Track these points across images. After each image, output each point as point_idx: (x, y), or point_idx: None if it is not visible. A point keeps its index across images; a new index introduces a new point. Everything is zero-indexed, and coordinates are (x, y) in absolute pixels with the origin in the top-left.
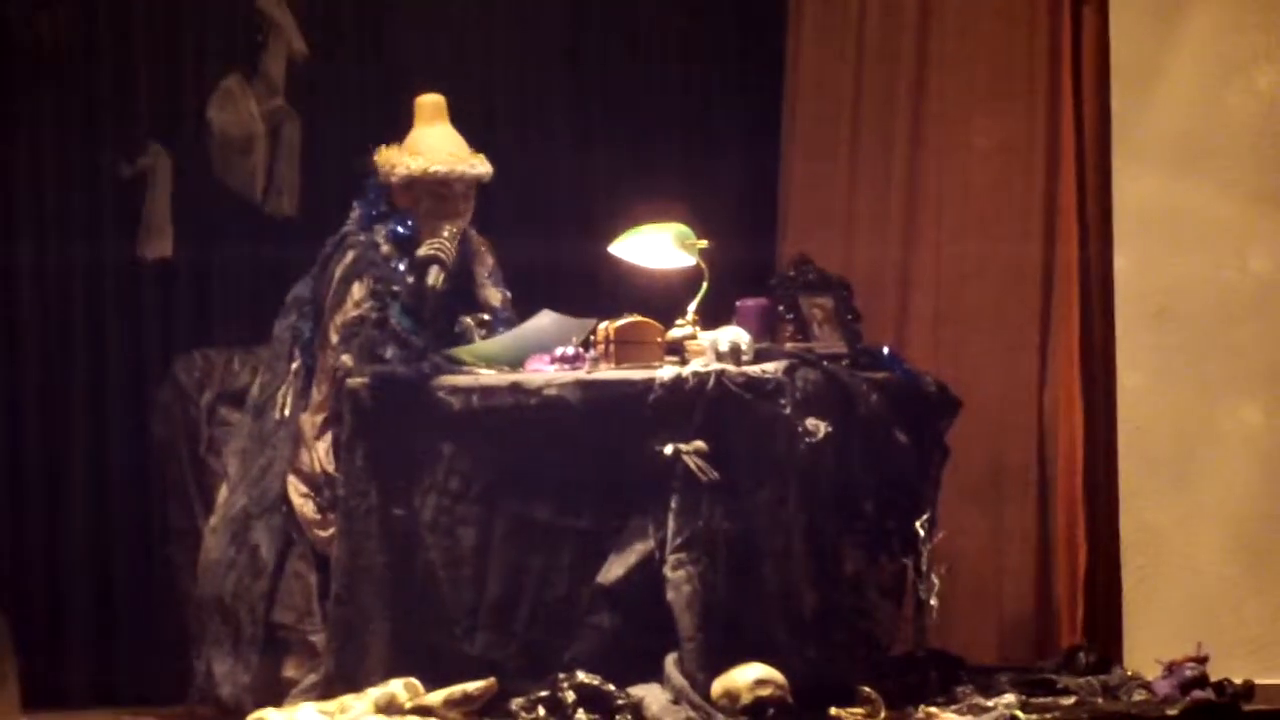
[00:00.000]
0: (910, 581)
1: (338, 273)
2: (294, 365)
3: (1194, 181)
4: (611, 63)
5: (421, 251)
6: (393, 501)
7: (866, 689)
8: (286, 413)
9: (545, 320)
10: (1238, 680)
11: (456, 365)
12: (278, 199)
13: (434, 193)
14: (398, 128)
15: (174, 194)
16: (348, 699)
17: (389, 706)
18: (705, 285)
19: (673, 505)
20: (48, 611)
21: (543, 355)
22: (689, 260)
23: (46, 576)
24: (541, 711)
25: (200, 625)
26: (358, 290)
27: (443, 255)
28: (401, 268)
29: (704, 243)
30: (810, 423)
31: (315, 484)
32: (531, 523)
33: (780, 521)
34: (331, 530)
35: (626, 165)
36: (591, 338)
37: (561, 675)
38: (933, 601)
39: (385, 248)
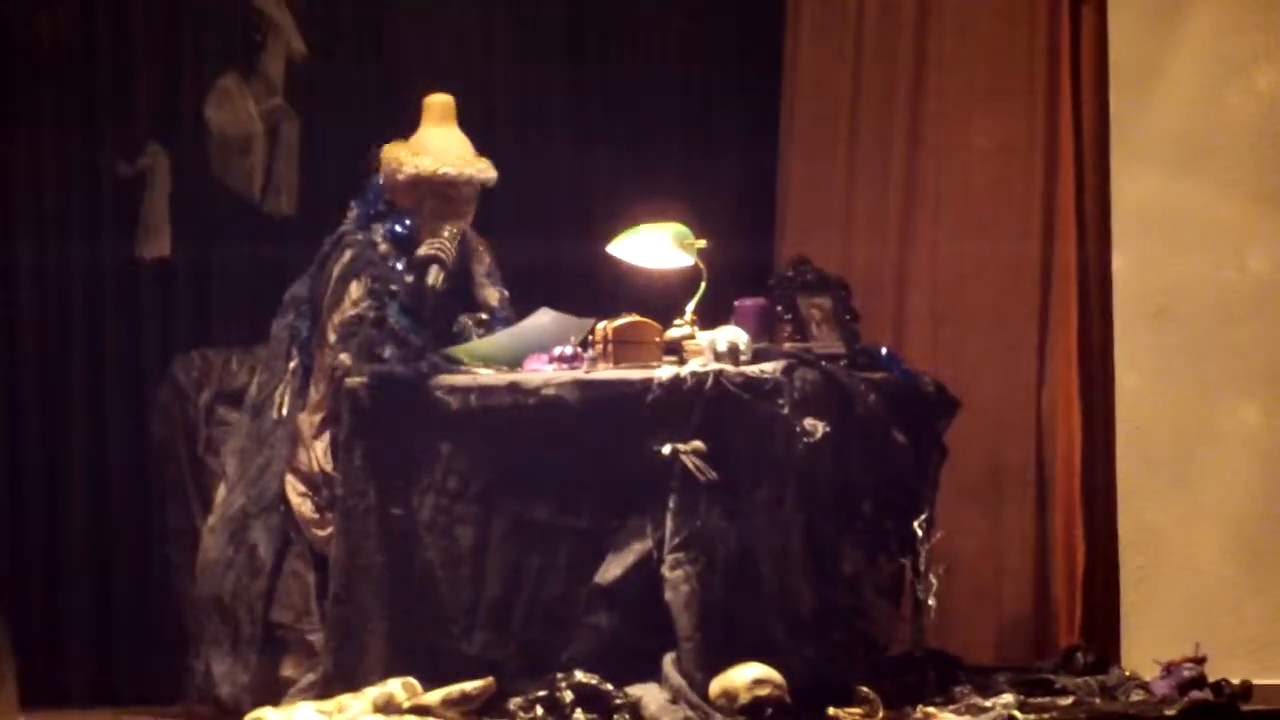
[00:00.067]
0: (908, 581)
1: (335, 271)
2: (292, 364)
3: (1193, 181)
4: (610, 62)
5: (422, 251)
6: (391, 501)
7: (864, 689)
8: (284, 412)
9: (544, 319)
10: (1236, 680)
11: (454, 364)
12: (276, 198)
13: (440, 194)
14: (397, 127)
15: (172, 193)
16: (346, 698)
17: (387, 706)
18: (703, 285)
19: (671, 505)
20: (46, 611)
21: (541, 355)
22: (687, 260)
23: (45, 576)
24: (539, 711)
25: (198, 625)
26: (355, 289)
27: (443, 255)
28: (399, 267)
29: (702, 242)
30: (808, 423)
31: (313, 483)
32: (529, 522)
33: (778, 521)
34: (329, 529)
35: (625, 165)
36: (590, 337)
37: (559, 675)
38: (930, 601)
39: (383, 247)
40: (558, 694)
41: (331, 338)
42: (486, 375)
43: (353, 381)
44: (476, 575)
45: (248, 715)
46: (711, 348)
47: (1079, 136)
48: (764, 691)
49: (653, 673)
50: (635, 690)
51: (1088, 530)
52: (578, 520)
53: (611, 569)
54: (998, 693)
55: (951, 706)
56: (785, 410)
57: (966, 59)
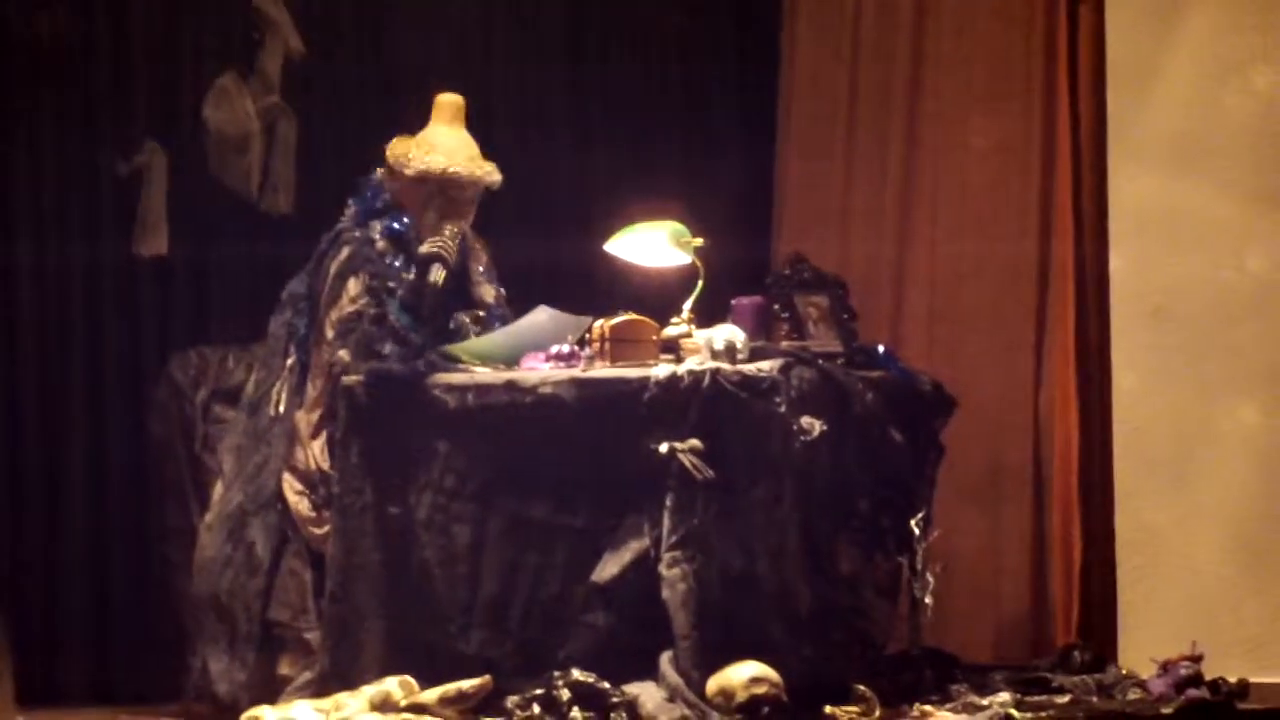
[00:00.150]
0: (905, 580)
1: (333, 269)
2: (289, 361)
3: (1191, 181)
4: (608, 62)
5: (424, 248)
6: (388, 499)
7: (861, 687)
8: (281, 409)
9: (541, 316)
10: (1232, 679)
11: (452, 363)
12: (273, 196)
13: (445, 192)
14: (395, 125)
15: (170, 191)
16: (342, 696)
17: (384, 704)
18: (700, 283)
19: (668, 503)
20: (44, 609)
21: (538, 353)
22: (684, 258)
23: (43, 574)
24: (536, 709)
25: (196, 623)
26: (353, 286)
27: (445, 253)
28: (397, 264)
29: (699, 241)
30: (805, 421)
31: (310, 481)
32: (527, 521)
33: (775, 520)
34: (326, 528)
35: (623, 163)
36: (587, 336)
37: (556, 673)
38: (927, 600)
39: (380, 244)
40: (555, 692)
41: (329, 334)
42: (484, 374)
43: (350, 379)
44: (473, 574)
45: (245, 713)
46: (708, 346)
47: (1076, 136)
48: (761, 690)
49: (650, 671)
50: (632, 689)
51: (1085, 529)
52: (575, 519)
53: (609, 567)
54: (995, 691)
55: (948, 705)
56: (782, 409)
57: (964, 58)
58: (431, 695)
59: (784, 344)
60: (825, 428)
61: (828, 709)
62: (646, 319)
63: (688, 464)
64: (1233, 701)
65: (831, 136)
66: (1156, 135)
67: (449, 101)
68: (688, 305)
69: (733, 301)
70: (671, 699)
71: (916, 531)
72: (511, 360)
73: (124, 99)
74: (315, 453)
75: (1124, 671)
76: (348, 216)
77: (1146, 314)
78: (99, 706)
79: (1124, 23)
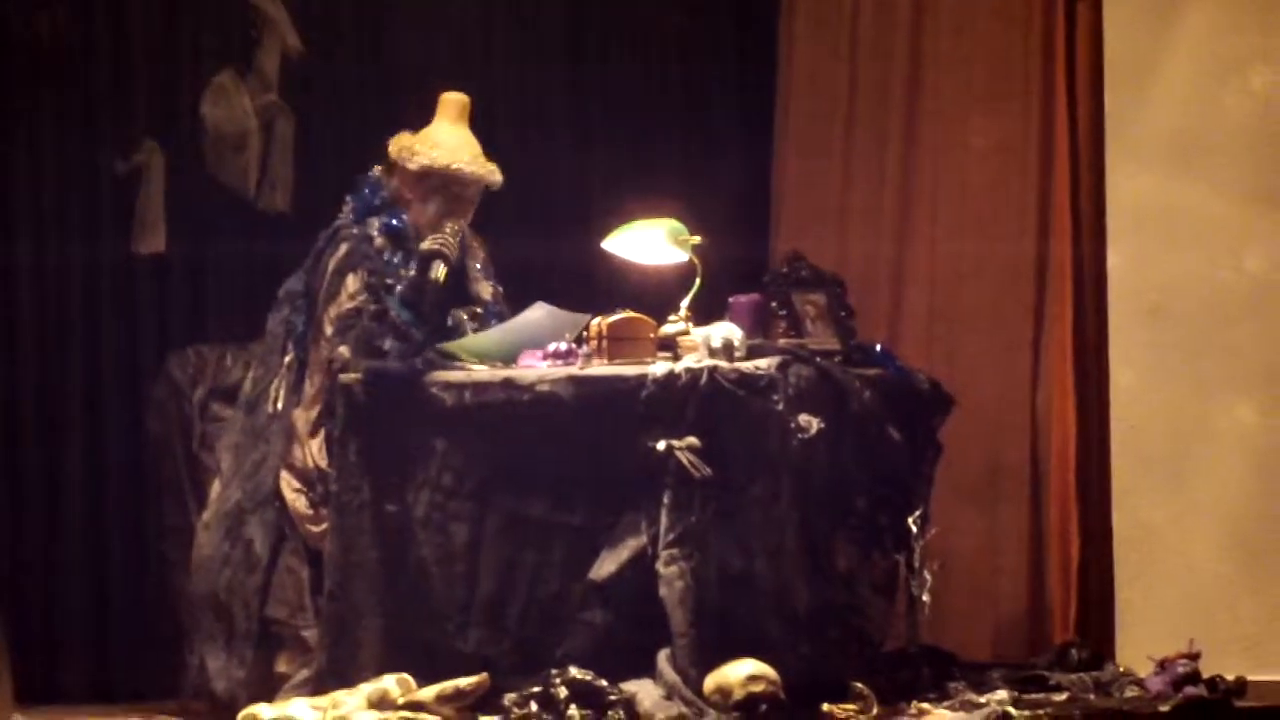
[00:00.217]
0: (903, 578)
1: (331, 266)
2: (287, 359)
3: (1189, 180)
4: (607, 60)
5: (426, 245)
6: (385, 497)
7: (859, 685)
8: (279, 406)
9: (538, 313)
10: (1230, 677)
11: (450, 360)
12: (271, 194)
13: (447, 189)
14: (393, 124)
15: (168, 190)
16: (340, 694)
17: (381, 702)
18: (698, 281)
19: (665, 501)
20: (43, 607)
21: (535, 351)
22: (682, 256)
23: (41, 573)
24: (534, 707)
25: (194, 621)
26: (352, 283)
27: (447, 251)
28: (395, 261)
29: (697, 239)
30: (803, 419)
31: (308, 479)
32: (524, 519)
33: (773, 518)
34: (324, 525)
35: (621, 161)
36: (584, 333)
37: (554, 671)
38: (925, 598)
39: (379, 241)
40: (552, 690)
41: (328, 331)
42: (481, 371)
43: (347, 377)
44: (471, 572)
45: (242, 712)
46: (706, 344)
47: (1074, 135)
48: (758, 688)
49: (647, 669)
50: (630, 686)
51: (1082, 527)
52: (572, 517)
53: (606, 565)
54: (992, 689)
55: (946, 703)
56: (780, 407)
57: (962, 57)
58: (429, 693)
59: (781, 342)
60: (823, 426)
61: (825, 707)
62: (644, 317)
63: (685, 462)
64: (1230, 699)
65: (830, 135)
66: (1154, 134)
67: (454, 100)
68: (685, 303)
69: (730, 299)
70: (669, 697)
71: (914, 529)
72: (509, 358)
73: (122, 98)
74: (313, 451)
75: (1121, 669)
76: (345, 213)
77: (1144, 313)
78: (97, 704)
79: (1122, 21)
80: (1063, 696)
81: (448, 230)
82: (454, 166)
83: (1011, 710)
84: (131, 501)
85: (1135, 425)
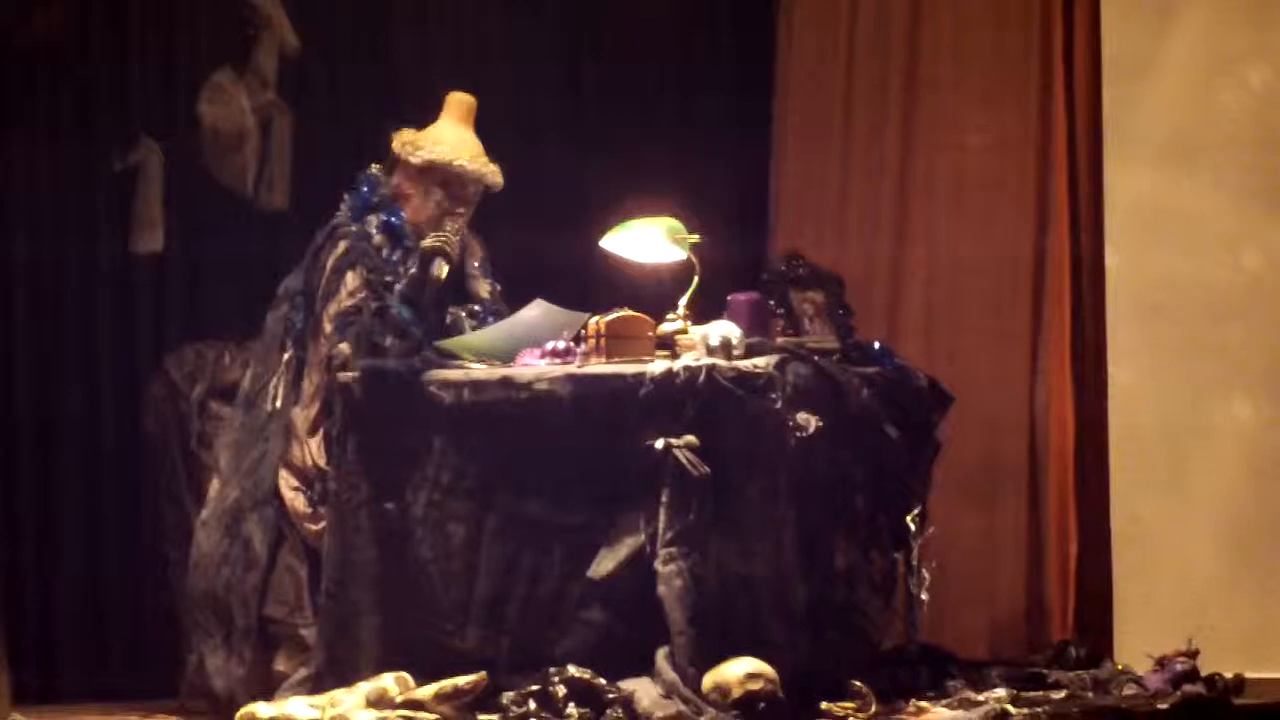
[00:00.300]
0: (901, 576)
1: (329, 263)
2: (286, 356)
3: (1187, 177)
4: (605, 58)
5: (427, 243)
6: (384, 496)
7: (857, 684)
8: (277, 404)
9: (536, 311)
10: (1228, 674)
11: (448, 358)
12: (269, 193)
13: (448, 186)
14: (390, 122)
15: (165, 188)
16: (338, 693)
17: (380, 701)
18: (696, 279)
19: (663, 499)
20: (40, 607)
21: (533, 350)
22: (680, 254)
23: (39, 572)
24: (532, 706)
25: (192, 619)
26: (351, 280)
27: (449, 249)
28: (394, 258)
29: (695, 237)
30: (801, 417)
31: (306, 478)
32: (522, 517)
33: (771, 516)
34: (322, 524)
35: (619, 160)
36: (582, 332)
37: (552, 670)
38: (923, 596)
39: (377, 238)
40: (551, 689)
41: (327, 328)
42: (479, 370)
43: (346, 376)
44: (469, 570)
45: (240, 710)
46: (704, 342)
47: (1072, 132)
48: (757, 686)
49: (646, 667)
50: (628, 685)
51: (1080, 525)
52: (571, 515)
53: (604, 563)
54: (990, 687)
55: (944, 701)
56: (778, 405)
57: (960, 55)
58: (427, 692)
59: (780, 340)
60: (821, 424)
61: (824, 705)
62: (642, 315)
63: (683, 460)
64: (1229, 697)
65: (828, 133)
66: (1152, 131)
67: (461, 100)
68: (683, 301)
69: (729, 298)
70: (667, 695)
71: (913, 528)
72: (507, 356)
73: (120, 96)
74: (312, 449)
75: (1120, 667)
76: (343, 211)
77: (1142, 310)
78: (94, 704)
79: (1120, 19)
80: (1061, 694)
81: (449, 228)
82: (457, 163)
83: (1010, 708)
84: (129, 500)
85: (1133, 423)
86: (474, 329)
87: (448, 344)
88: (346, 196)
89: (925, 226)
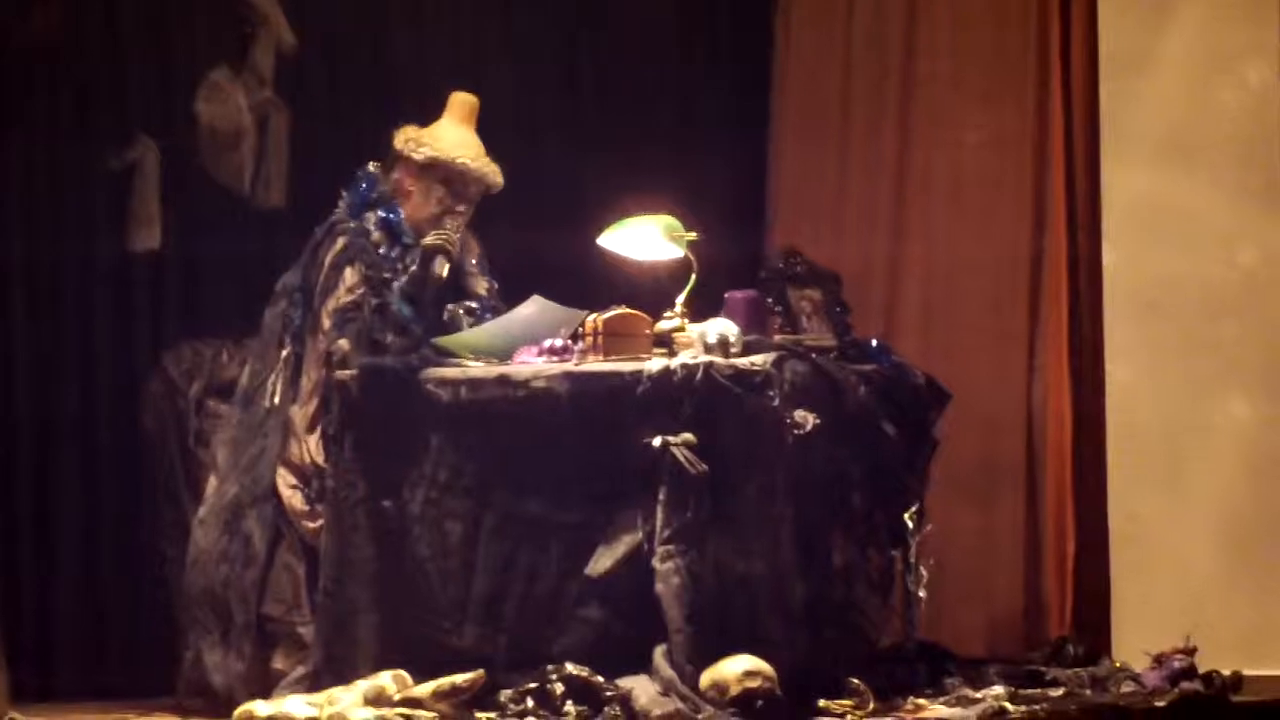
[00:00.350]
0: (899, 574)
1: (328, 260)
2: (284, 353)
3: (1184, 175)
4: (602, 54)
5: (429, 241)
6: (381, 494)
7: (855, 681)
8: (276, 400)
9: (533, 308)
10: (1226, 672)
11: (445, 356)
12: (266, 191)
13: (451, 184)
14: (388, 120)
15: (162, 186)
16: (336, 691)
17: (377, 699)
18: (694, 277)
19: (661, 497)
20: (37, 605)
21: (531, 347)
22: (678, 252)
23: (36, 570)
24: (530, 703)
25: (189, 616)
26: (350, 276)
27: (450, 247)
28: (393, 255)
29: (693, 235)
30: (799, 415)
31: (304, 475)
32: (520, 515)
33: (769, 514)
34: (320, 522)
35: (616, 157)
36: (580, 330)
37: (550, 667)
38: (921, 594)
39: (375, 234)
40: (548, 686)
41: (326, 324)
42: (477, 368)
43: (343, 374)
44: (467, 568)
45: (237, 709)
46: (701, 340)
47: (1069, 129)
48: (755, 683)
49: (644, 665)
50: (626, 682)
51: (1078, 522)
52: (568, 513)
53: (602, 561)
54: (988, 685)
55: (942, 699)
56: (775, 402)
57: (957, 51)
58: (425, 690)
59: (777, 338)
60: (818, 421)
61: (821, 703)
62: (640, 313)
63: (681, 458)
64: (1226, 694)
65: (825, 130)
66: (1149, 128)
67: (464, 100)
68: (681, 299)
69: (726, 295)
70: (665, 693)
71: (910, 525)
72: (504, 353)
73: (117, 94)
74: (310, 446)
75: (1118, 665)
76: (342, 208)
77: (1140, 308)
78: (92, 702)
79: (1117, 16)
80: (1059, 692)
81: (450, 227)
82: (460, 161)
83: (1008, 706)
84: (127, 498)
85: (1131, 420)
86: (471, 326)
87: (445, 341)
88: (345, 193)
89: (922, 224)
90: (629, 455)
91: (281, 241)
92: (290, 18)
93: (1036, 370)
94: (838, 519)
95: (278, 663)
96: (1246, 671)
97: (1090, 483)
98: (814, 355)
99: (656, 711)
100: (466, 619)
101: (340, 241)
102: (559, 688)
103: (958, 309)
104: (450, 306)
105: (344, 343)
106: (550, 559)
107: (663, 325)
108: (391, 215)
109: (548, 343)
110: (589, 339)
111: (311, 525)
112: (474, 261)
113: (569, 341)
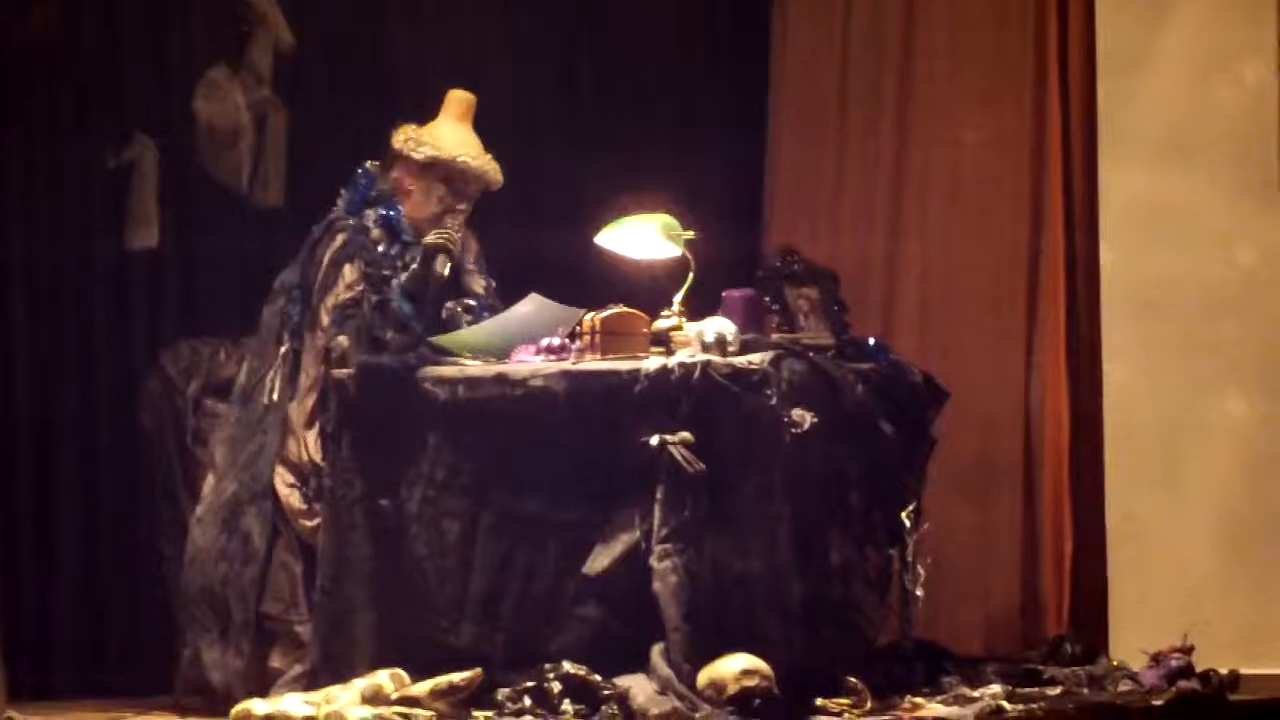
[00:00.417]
0: (896, 572)
1: (327, 256)
2: (282, 350)
3: (1181, 175)
4: (600, 53)
5: (430, 239)
6: (378, 492)
7: (853, 680)
8: (274, 397)
9: (531, 306)
10: (1223, 670)
11: (443, 355)
12: (263, 189)
13: (452, 182)
14: (386, 119)
15: (160, 185)
16: (334, 689)
17: (375, 697)
18: (691, 276)
19: (658, 496)
20: (36, 604)
21: (529, 346)
22: (675, 251)
23: (35, 569)
24: (527, 702)
25: (187, 614)
26: (349, 273)
27: (451, 245)
28: (392, 252)
29: (690, 234)
30: (796, 413)
31: (302, 474)
32: (518, 514)
33: (766, 513)
34: (317, 521)
35: (614, 156)
36: (577, 329)
37: (548, 666)
38: (918, 592)
39: (375, 232)
40: (546, 685)
41: (324, 321)
42: (474, 367)
43: (341, 372)
44: (464, 566)
45: (235, 708)
46: (699, 339)
47: (1067, 128)
48: (752, 682)
49: (641, 664)
50: (623, 681)
51: (1075, 521)
52: (566, 512)
53: (600, 560)
54: (986, 683)
55: (940, 697)
56: (773, 401)
57: (955, 50)
58: (423, 688)
59: (775, 337)
60: (816, 420)
61: (819, 701)
62: (637, 312)
63: (678, 457)
64: (1224, 693)
65: (822, 129)
66: (1147, 127)
67: (461, 98)
68: (678, 298)
69: (723, 294)
70: (663, 691)
71: (908, 524)
72: (502, 351)
73: (115, 93)
74: (308, 443)
75: (1115, 663)
76: (340, 206)
77: (1138, 307)
78: (90, 701)
79: (1114, 15)
80: (1056, 691)
81: (451, 225)
82: (461, 159)
83: (1005, 704)
84: (125, 496)
85: (1128, 419)
86: (469, 324)
87: (442, 340)
88: (343, 191)
89: (920, 222)
90: (626, 454)
91: (279, 240)
92: (288, 16)
93: (1034, 369)
94: (835, 518)
95: (275, 661)
96: (1244, 670)
97: (1088, 482)
98: (811, 354)
99: (654, 710)
100: (464, 618)
101: (339, 238)
102: (556, 686)
103: (955, 308)
104: (448, 305)
105: (343, 339)
106: (548, 558)
107: (660, 324)
108: (391, 213)
109: (545, 341)
110: (586, 338)
111: (309, 524)
112: (472, 260)
113: (566, 340)
